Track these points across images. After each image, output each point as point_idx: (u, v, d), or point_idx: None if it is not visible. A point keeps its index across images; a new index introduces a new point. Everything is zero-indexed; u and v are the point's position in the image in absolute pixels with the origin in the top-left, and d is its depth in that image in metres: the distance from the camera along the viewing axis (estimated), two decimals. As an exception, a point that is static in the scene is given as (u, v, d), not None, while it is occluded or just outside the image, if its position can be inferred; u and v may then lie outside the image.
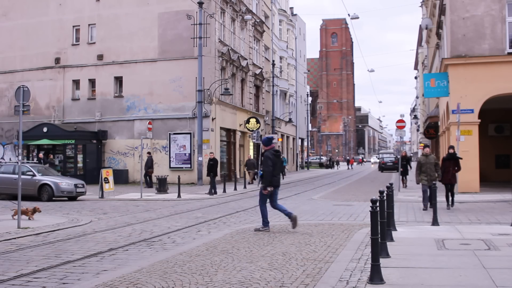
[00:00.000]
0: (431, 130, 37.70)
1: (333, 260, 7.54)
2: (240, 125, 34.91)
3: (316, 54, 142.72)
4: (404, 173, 25.65)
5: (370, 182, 31.40)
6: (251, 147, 38.13)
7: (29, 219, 12.79)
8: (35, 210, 13.03)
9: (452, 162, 14.77)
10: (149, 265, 7.37)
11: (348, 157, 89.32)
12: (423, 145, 36.13)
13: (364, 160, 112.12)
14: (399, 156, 40.25)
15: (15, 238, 10.24)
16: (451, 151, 15.04)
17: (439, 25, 26.30)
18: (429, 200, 14.01)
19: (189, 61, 29.97)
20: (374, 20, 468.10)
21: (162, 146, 30.63)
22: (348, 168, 69.54)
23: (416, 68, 73.89)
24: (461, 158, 15.20)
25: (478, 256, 7.37)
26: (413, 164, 34.27)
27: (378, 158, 72.35)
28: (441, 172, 14.60)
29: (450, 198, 14.87)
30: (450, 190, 14.80)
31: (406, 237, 9.17)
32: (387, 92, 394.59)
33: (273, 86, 44.59)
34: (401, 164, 24.94)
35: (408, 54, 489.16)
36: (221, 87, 30.18)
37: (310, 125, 73.82)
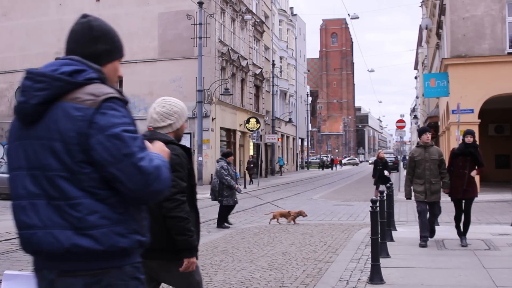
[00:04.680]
0: (431, 130, 37.70)
1: (333, 260, 7.54)
2: (240, 125, 34.91)
3: (316, 54, 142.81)
4: (380, 182, 17.39)
5: (370, 182, 31.36)
6: (251, 147, 38.14)
7: (292, 223, 11.75)
8: (299, 214, 11.87)
9: (469, 160, 8.40)
10: (149, 265, 7.36)
11: (332, 157, 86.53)
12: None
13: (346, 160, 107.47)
14: (399, 156, 40.21)
15: (15, 238, 10.24)
16: (468, 139, 8.42)
17: (439, 25, 26.30)
18: (431, 227, 8.54)
19: (189, 61, 29.97)
20: (374, 20, 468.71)
21: (162, 146, 30.64)
22: (332, 169, 65.87)
23: (416, 68, 73.88)
24: (479, 156, 8.51)
25: (478, 256, 7.37)
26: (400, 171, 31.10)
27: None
28: (449, 177, 8.40)
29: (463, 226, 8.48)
30: (465, 210, 8.44)
31: (406, 237, 9.17)
32: (387, 92, 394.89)
33: (273, 86, 44.59)
34: (374, 171, 18.53)
35: (409, 54, 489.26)
36: (221, 87, 30.18)
37: (310, 125, 73.86)
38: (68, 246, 1.84)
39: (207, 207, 16.73)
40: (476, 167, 8.53)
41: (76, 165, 1.86)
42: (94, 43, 2.07)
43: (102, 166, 1.85)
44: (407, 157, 9.40)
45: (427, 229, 8.36)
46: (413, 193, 8.46)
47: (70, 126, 1.85)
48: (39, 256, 1.94)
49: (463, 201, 8.47)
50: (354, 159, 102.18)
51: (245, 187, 25.70)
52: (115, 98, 1.90)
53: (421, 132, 8.82)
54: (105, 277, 1.89)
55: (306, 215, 12.21)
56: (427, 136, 8.57)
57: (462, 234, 8.43)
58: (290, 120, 52.90)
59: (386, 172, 18.00)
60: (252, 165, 30.90)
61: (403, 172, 39.19)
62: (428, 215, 8.48)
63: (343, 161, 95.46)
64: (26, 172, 1.93)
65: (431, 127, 37.81)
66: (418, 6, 54.54)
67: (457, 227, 8.60)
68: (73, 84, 1.90)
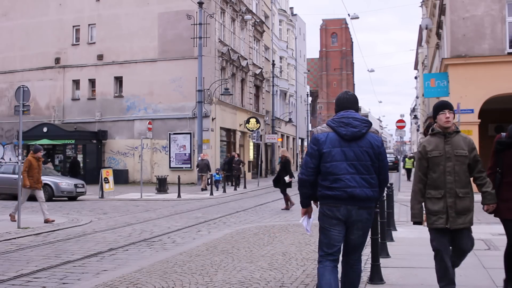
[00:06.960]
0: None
1: (333, 260, 7.52)
2: (240, 125, 34.91)
3: (316, 54, 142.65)
4: (280, 186, 15.52)
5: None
6: (251, 147, 38.13)
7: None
8: None
9: None
10: (149, 265, 7.37)
11: None
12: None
13: None
14: (399, 156, 40.16)
15: (15, 238, 10.24)
16: None
17: (439, 25, 26.29)
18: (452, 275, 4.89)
19: (189, 61, 29.97)
20: (369, 20, 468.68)
21: (162, 146, 30.64)
22: None
23: (416, 68, 73.85)
24: None
25: (478, 256, 7.37)
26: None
27: None
28: (494, 185, 5.35)
29: None
30: None
31: (406, 237, 9.17)
32: (383, 93, 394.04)
33: (273, 86, 44.59)
34: (277, 175, 15.92)
35: (403, 54, 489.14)
36: (221, 87, 30.18)
37: (310, 125, 73.81)
38: (369, 195, 4.21)
39: (206, 207, 16.72)
40: None
41: (376, 159, 4.27)
42: (357, 104, 4.38)
43: (380, 161, 4.30)
44: (417, 151, 5.41)
45: (451, 278, 4.85)
46: (424, 215, 4.91)
47: (376, 143, 4.29)
48: (351, 200, 4.16)
49: None
50: None
51: (215, 190, 22.57)
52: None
53: (437, 109, 4.97)
54: (372, 210, 4.32)
55: None
56: (446, 116, 4.85)
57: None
58: (290, 120, 52.88)
59: (286, 178, 14.78)
60: (237, 165, 27.33)
61: (403, 171, 38.78)
62: (450, 255, 5.00)
63: None
64: (346, 162, 4.17)
65: (430, 127, 37.76)
66: (409, 6, 54.49)
67: (508, 268, 5.37)
68: (371, 125, 4.30)
